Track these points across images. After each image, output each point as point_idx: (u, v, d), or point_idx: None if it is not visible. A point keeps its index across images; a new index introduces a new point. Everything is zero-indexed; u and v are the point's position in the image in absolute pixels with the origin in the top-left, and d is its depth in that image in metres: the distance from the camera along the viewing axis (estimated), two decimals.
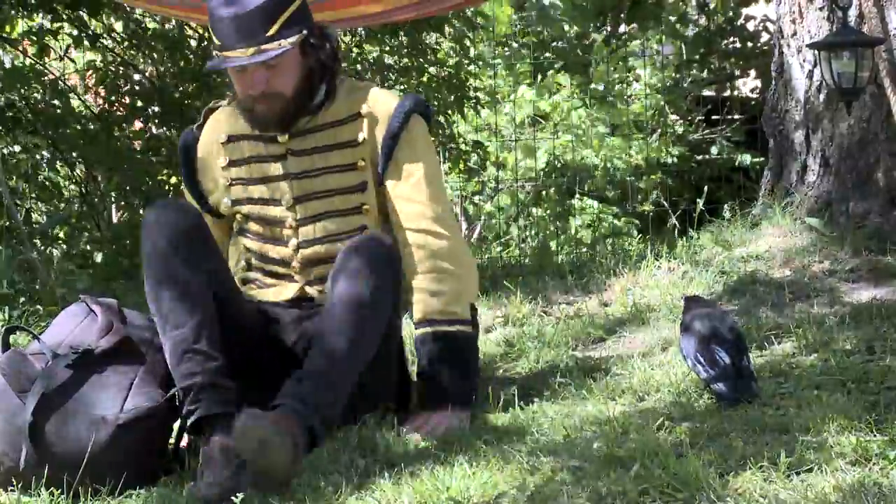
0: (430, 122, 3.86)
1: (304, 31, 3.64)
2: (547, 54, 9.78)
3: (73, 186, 7.43)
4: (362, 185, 3.74)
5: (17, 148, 7.03)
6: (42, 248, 6.46)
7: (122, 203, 7.38)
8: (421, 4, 5.36)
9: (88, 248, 7.09)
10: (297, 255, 3.75)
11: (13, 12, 6.89)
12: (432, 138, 3.83)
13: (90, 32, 7.02)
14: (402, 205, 3.73)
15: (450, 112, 7.60)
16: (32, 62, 7.10)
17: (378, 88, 3.84)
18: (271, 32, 3.57)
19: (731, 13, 9.87)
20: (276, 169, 3.76)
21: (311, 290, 3.75)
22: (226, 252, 3.87)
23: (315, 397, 3.36)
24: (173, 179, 7.29)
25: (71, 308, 3.64)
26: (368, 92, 3.78)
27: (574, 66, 9.74)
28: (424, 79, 7.70)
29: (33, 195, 7.20)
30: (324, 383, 3.40)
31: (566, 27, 9.82)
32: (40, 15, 6.99)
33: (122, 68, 7.30)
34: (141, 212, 7.11)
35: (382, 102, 3.75)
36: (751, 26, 9.98)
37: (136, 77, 7.46)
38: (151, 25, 7.40)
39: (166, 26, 7.36)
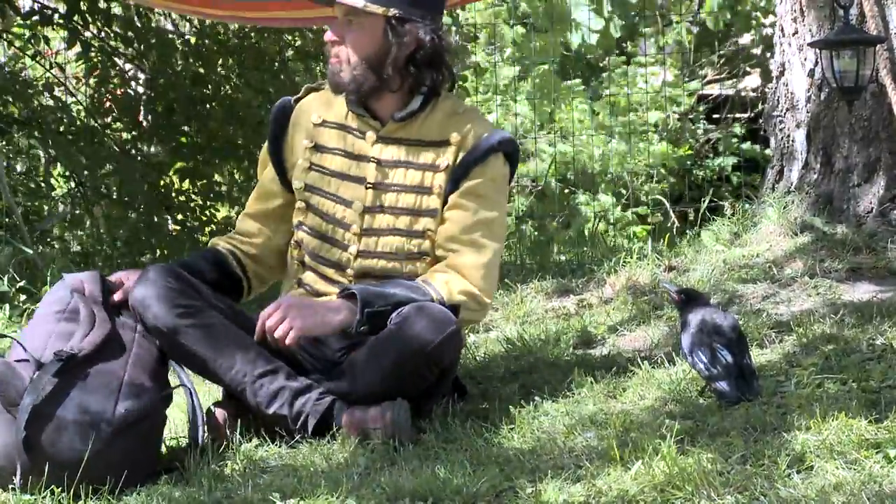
0: (515, 163, 3.80)
1: (393, 11, 3.66)
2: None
3: (68, 184, 7.46)
4: (433, 211, 3.71)
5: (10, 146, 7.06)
6: (41, 245, 6.47)
7: (108, 201, 7.39)
8: None
9: (86, 239, 7.11)
10: (355, 262, 3.73)
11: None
12: (512, 183, 3.82)
13: (79, 28, 7.02)
14: (448, 238, 3.69)
15: None
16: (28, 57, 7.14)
17: (477, 117, 3.79)
18: None
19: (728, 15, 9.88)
20: (357, 170, 3.75)
21: None
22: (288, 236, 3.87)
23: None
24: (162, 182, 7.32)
25: (51, 297, 3.58)
26: (466, 119, 3.74)
27: (580, 66, 9.76)
28: None
29: (32, 192, 7.22)
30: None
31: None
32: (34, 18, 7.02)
33: (113, 59, 7.31)
34: (130, 209, 7.15)
35: (474, 134, 3.71)
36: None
37: (128, 67, 7.48)
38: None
39: (159, 23, 7.37)
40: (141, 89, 7.57)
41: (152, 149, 7.38)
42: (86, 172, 7.00)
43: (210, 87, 7.39)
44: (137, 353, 3.46)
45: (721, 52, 10.29)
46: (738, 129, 9.87)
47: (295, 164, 3.82)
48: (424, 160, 3.72)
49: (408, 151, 3.73)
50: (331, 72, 3.74)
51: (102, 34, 7.28)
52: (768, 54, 9.60)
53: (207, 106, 7.36)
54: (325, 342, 3.71)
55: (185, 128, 7.31)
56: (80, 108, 7.46)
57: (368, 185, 3.73)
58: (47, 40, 7.23)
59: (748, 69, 10.31)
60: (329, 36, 3.73)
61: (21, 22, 7.14)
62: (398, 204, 3.72)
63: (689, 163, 9.66)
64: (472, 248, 3.67)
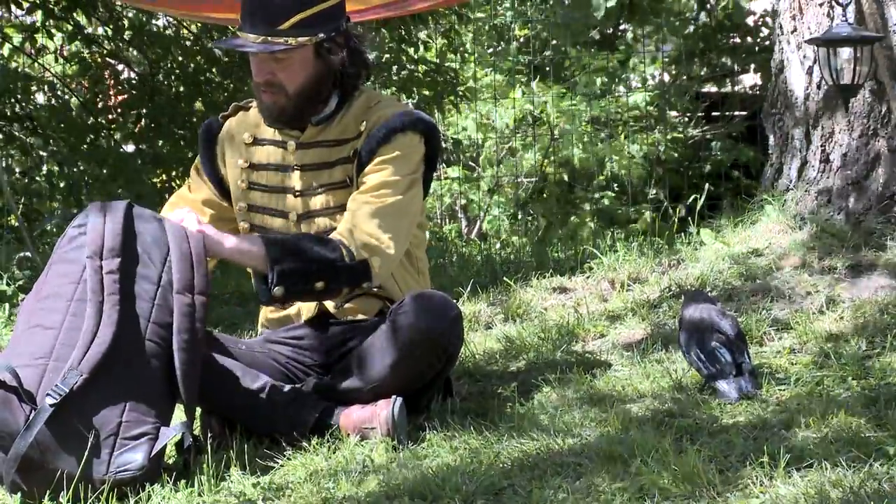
0: (433, 143, 3.76)
1: (321, 35, 3.63)
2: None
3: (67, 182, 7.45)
4: None
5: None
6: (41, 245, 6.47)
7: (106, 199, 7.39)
8: (395, 5, 5.36)
9: None
10: None
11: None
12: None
13: (77, 26, 7.03)
14: (350, 199, 3.66)
15: (429, 106, 7.58)
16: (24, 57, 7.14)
17: (390, 105, 3.76)
18: (283, 27, 3.59)
19: (731, 8, 9.87)
20: (287, 180, 3.76)
21: (329, 306, 3.74)
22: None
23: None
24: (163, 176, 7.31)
25: (68, 254, 3.38)
26: (378, 108, 3.72)
27: (569, 65, 9.76)
28: (405, 73, 7.65)
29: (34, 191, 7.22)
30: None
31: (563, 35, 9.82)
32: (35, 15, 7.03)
33: (108, 59, 7.30)
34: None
35: (380, 118, 3.69)
36: (750, 21, 9.97)
37: (121, 68, 7.48)
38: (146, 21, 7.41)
39: (159, 22, 7.37)
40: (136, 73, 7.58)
41: (136, 145, 7.38)
42: (82, 167, 7.01)
43: (212, 83, 7.39)
44: (140, 385, 3.30)
45: (719, 49, 10.29)
46: (735, 130, 9.88)
47: (232, 182, 3.82)
48: (341, 156, 3.72)
49: (328, 152, 3.73)
50: (269, 107, 3.69)
51: (102, 30, 7.29)
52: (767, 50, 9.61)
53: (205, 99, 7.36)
54: (312, 347, 3.75)
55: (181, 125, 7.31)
56: (77, 104, 7.46)
57: (296, 194, 3.75)
58: (51, 35, 7.22)
59: (746, 67, 10.31)
60: (260, 77, 3.65)
61: (17, 21, 7.15)
62: (330, 204, 3.72)
63: (686, 162, 9.67)
64: (369, 204, 3.62)
